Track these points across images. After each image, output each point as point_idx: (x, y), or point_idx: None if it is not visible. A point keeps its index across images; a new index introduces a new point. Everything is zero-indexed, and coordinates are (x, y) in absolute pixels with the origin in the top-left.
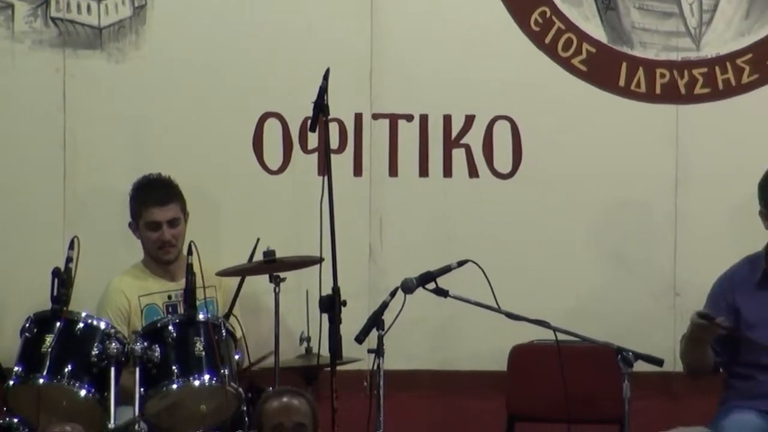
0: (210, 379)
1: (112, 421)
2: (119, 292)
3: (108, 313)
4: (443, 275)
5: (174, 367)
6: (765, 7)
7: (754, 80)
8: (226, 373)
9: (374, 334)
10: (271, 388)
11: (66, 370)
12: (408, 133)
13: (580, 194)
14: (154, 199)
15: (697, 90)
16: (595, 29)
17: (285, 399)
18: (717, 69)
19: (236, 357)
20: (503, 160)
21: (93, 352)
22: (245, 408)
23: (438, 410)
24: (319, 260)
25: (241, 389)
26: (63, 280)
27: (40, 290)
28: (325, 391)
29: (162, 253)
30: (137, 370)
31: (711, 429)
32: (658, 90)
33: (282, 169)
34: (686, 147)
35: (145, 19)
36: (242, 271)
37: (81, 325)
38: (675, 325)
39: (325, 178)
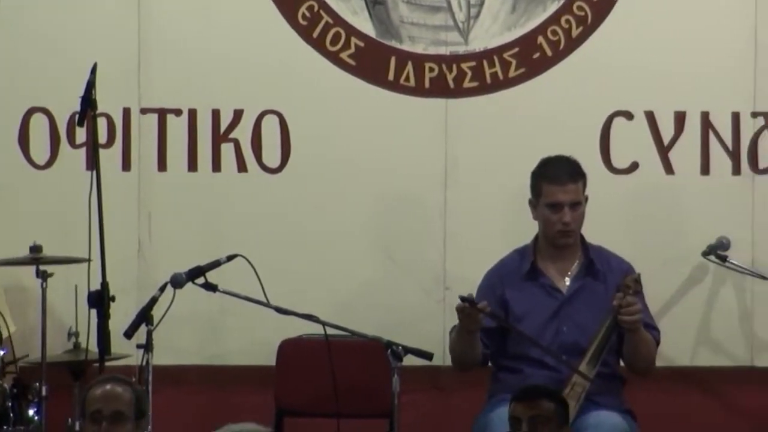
0: None
1: None
2: None
3: None
4: (213, 270)
5: None
6: (531, 1)
7: (521, 74)
8: None
9: (143, 329)
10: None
11: None
12: (176, 127)
13: (349, 188)
14: None
15: (466, 84)
16: (364, 23)
17: (108, 386)
18: (485, 63)
19: (1, 353)
20: (272, 154)
21: None
22: (10, 404)
23: (207, 405)
24: (87, 260)
25: (6, 385)
26: None
27: None
28: None
29: None
30: None
31: (479, 422)
32: (427, 84)
33: (49, 164)
34: (455, 141)
35: None
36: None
37: None
38: (445, 319)
39: (93, 172)
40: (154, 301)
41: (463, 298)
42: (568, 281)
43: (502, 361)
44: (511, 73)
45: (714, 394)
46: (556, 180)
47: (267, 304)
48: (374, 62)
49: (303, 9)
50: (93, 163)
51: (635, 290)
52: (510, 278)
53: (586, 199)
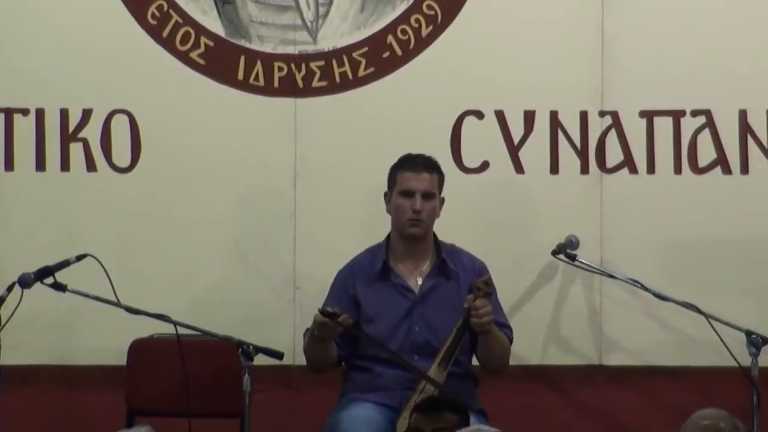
0: None
1: None
2: None
3: None
4: (62, 269)
5: None
6: (380, 0)
7: (370, 73)
8: None
9: None
10: None
11: None
12: (24, 127)
13: (200, 188)
14: None
15: (315, 83)
16: (213, 23)
17: None
18: (334, 62)
19: None
20: (122, 154)
21: None
22: None
23: (58, 405)
24: None
25: None
26: None
27: None
28: None
29: None
30: None
31: (330, 421)
32: (276, 83)
33: None
34: (305, 140)
35: None
36: None
37: None
38: (295, 319)
39: None
40: (1, 301)
41: (324, 312)
42: (420, 280)
43: (354, 360)
44: (361, 73)
45: (563, 392)
46: (411, 168)
47: (117, 304)
48: (224, 62)
49: (152, 8)
50: None
51: (486, 292)
52: (362, 277)
53: (443, 201)
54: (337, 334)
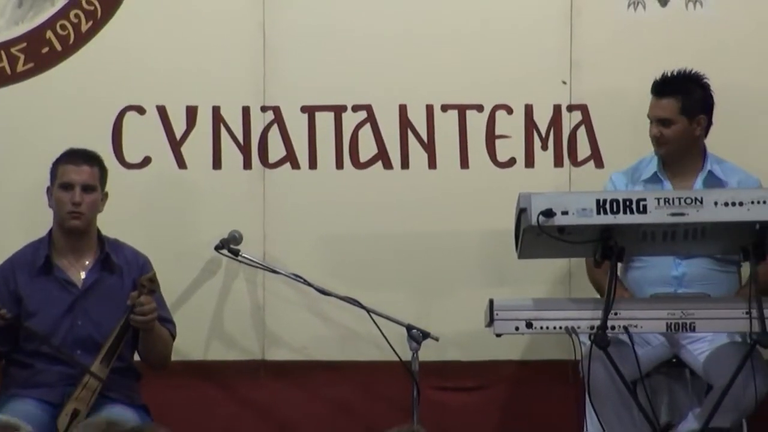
0: None
1: None
2: None
3: None
4: None
5: None
6: None
7: (29, 68)
8: None
9: None
10: None
11: None
12: None
13: None
14: None
15: None
16: None
17: None
18: None
19: None
20: None
21: None
22: None
23: None
24: None
25: None
26: None
27: None
28: None
29: None
30: None
31: None
32: None
33: None
34: None
35: None
36: None
37: None
38: None
39: None
40: None
41: None
42: (83, 275)
43: (14, 356)
44: (20, 68)
45: (226, 387)
46: (72, 161)
47: None
48: None
49: None
50: None
51: (150, 289)
52: (23, 272)
53: (106, 196)
54: None
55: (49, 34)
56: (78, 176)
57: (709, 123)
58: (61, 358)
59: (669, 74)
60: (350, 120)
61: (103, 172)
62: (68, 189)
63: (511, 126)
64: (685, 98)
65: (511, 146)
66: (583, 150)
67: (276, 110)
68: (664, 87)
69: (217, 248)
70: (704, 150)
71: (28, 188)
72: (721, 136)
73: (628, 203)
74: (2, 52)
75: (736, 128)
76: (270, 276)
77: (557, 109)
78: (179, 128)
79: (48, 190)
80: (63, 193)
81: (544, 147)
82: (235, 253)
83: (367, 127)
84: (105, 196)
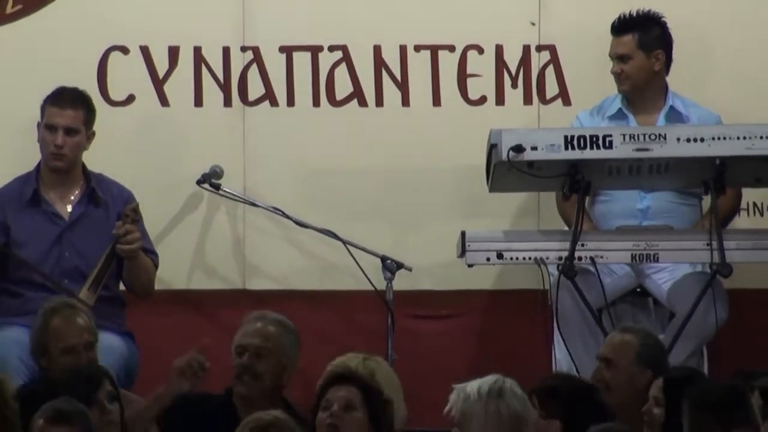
0: None
1: None
2: None
3: None
4: None
5: None
6: None
7: (18, 10)
8: None
9: None
10: None
11: None
12: None
13: None
14: None
15: None
16: None
17: None
18: None
19: None
20: None
21: None
22: None
23: None
24: None
25: None
26: None
27: None
28: None
29: None
30: None
31: None
32: None
33: None
34: None
35: None
36: None
37: None
38: None
39: None
40: None
41: None
42: (70, 208)
43: (3, 285)
44: (9, 10)
45: (208, 315)
46: (57, 104)
47: None
48: None
49: None
50: None
51: (134, 219)
52: (12, 204)
53: (93, 134)
54: None
55: None
56: (61, 119)
57: (669, 60)
58: (49, 285)
59: (627, 14)
60: (327, 59)
61: (89, 114)
62: (52, 131)
63: (482, 65)
64: (641, 34)
65: (482, 85)
66: (552, 88)
67: (255, 50)
68: (622, 25)
69: (199, 182)
70: (666, 87)
71: (18, 125)
72: (681, 73)
73: (594, 139)
74: None
75: (695, 66)
76: (250, 209)
77: (527, 49)
78: (162, 67)
79: (38, 124)
80: (47, 133)
81: (514, 85)
82: (216, 187)
83: (343, 66)
84: (92, 134)
